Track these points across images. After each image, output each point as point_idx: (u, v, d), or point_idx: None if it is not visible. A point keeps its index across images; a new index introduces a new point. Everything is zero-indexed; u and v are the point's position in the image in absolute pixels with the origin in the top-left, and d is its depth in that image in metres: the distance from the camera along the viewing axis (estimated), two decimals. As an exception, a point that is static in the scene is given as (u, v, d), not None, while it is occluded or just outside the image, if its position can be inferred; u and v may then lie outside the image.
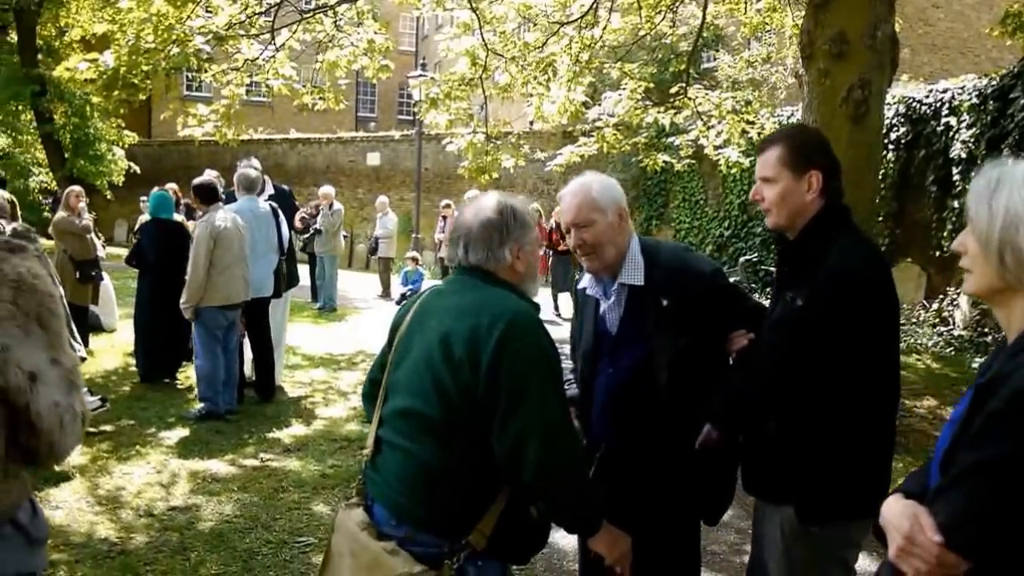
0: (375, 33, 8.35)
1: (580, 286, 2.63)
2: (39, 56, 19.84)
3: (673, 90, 9.76)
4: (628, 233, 2.46)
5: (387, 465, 2.07)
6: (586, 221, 2.39)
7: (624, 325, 2.45)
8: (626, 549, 2.19)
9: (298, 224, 7.93)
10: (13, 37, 20.29)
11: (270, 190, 7.40)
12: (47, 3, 19.41)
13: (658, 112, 9.16)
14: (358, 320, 11.75)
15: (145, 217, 8.11)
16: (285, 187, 7.89)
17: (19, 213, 6.32)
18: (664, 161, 10.38)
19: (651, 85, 9.89)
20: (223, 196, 6.68)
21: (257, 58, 7.90)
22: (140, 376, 7.41)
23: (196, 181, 6.63)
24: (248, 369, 7.08)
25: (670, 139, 10.66)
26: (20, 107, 20.46)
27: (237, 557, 4.03)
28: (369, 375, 2.33)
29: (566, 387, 2.27)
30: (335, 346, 9.48)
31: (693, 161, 11.00)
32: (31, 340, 1.65)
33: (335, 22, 8.17)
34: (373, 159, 21.93)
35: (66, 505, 4.57)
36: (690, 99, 9.36)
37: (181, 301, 6.20)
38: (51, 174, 20.88)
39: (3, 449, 1.65)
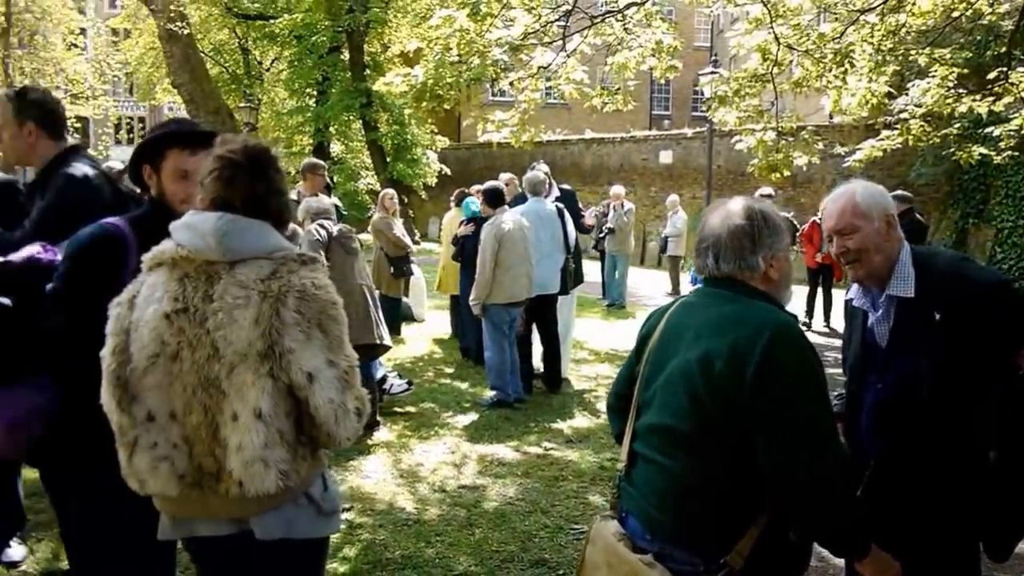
0: (663, 33, 8.36)
1: (847, 297, 2.48)
2: (366, 71, 22.29)
3: (992, 75, 8.67)
4: (897, 241, 2.28)
5: (641, 479, 2.07)
6: (849, 228, 2.26)
7: (894, 339, 2.27)
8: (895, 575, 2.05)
9: (590, 222, 8.18)
10: (345, 55, 23.03)
11: (556, 192, 7.72)
12: (373, 23, 21.77)
13: (974, 100, 8.18)
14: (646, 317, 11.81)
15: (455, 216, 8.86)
16: (568, 188, 8.19)
17: (344, 214, 7.22)
18: (981, 154, 9.28)
19: (965, 71, 8.86)
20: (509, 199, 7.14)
21: (550, 64, 8.26)
22: (461, 352, 8.51)
23: (484, 186, 7.16)
24: (536, 361, 7.46)
25: (988, 129, 9.47)
26: (351, 117, 23.19)
27: (516, 537, 4.29)
28: (615, 389, 2.34)
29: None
30: (621, 342, 9.65)
31: (1016, 153, 9.70)
32: (312, 344, 1.91)
33: (624, 25, 8.31)
34: (665, 157, 21.90)
35: (374, 475, 5.15)
36: (1012, 84, 8.26)
37: (470, 298, 6.74)
38: (376, 177, 23.39)
39: (294, 434, 1.94)
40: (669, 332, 2.10)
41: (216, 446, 1.91)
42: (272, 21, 23.20)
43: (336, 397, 1.92)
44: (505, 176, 8.32)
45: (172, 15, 17.63)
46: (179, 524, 2.04)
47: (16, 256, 2.30)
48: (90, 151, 3.39)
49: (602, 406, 6.95)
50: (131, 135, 48.61)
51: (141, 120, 49.38)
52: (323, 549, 2.21)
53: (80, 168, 2.99)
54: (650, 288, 14.91)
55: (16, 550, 3.84)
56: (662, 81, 9.87)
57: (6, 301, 2.14)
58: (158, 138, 2.38)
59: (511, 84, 9.00)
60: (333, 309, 1.98)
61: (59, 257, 2.36)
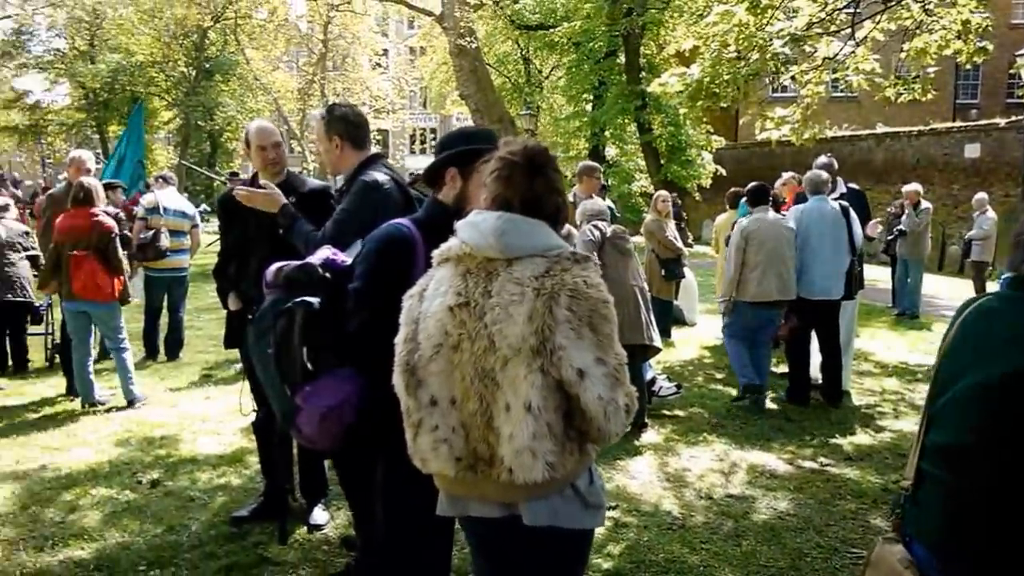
0: (971, 12, 7.50)
1: None
2: (641, 73, 22.36)
3: None
4: None
5: (929, 501, 1.87)
6: None
7: None
8: None
9: (872, 233, 7.52)
10: (621, 59, 23.25)
11: (842, 189, 7.21)
12: (649, 25, 21.78)
13: None
14: (943, 330, 10.73)
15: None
16: (856, 187, 7.59)
17: (617, 216, 7.30)
18: None
19: None
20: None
21: (836, 55, 7.75)
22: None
23: (749, 186, 6.93)
24: (815, 371, 7.03)
25: None
26: (626, 120, 23.41)
27: (786, 554, 4.07)
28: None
29: None
30: (912, 356, 8.82)
31: None
32: (582, 341, 1.94)
33: (923, 6, 7.57)
34: (972, 151, 19.66)
35: (640, 476, 5.14)
36: None
37: (718, 296, 6.64)
38: (649, 179, 23.39)
39: (562, 427, 1.98)
40: (963, 341, 1.88)
41: (490, 433, 2.01)
42: (552, 30, 24.05)
43: (606, 394, 1.93)
44: (786, 175, 7.93)
45: (462, 31, 18.86)
46: (455, 502, 2.17)
47: (313, 258, 2.57)
48: (388, 160, 3.73)
49: (887, 423, 6.40)
50: (423, 145, 52.69)
51: (432, 131, 53.41)
52: (587, 541, 2.24)
53: (374, 175, 3.33)
54: (949, 297, 13.47)
55: (320, 515, 4.31)
56: (968, 66, 8.82)
57: (315, 301, 2.39)
58: (475, 151, 2.54)
59: (793, 78, 8.57)
60: (604, 308, 1.99)
61: (348, 259, 2.60)
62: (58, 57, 35.99)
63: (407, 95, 42.90)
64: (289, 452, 4.19)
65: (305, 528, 4.22)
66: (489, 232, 2.03)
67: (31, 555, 3.91)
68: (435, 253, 2.15)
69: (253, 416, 4.29)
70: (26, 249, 7.46)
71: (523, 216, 2.05)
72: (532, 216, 2.06)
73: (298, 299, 2.39)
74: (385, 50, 40.86)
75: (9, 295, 7.15)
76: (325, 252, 2.58)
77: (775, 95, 24.81)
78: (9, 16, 31.01)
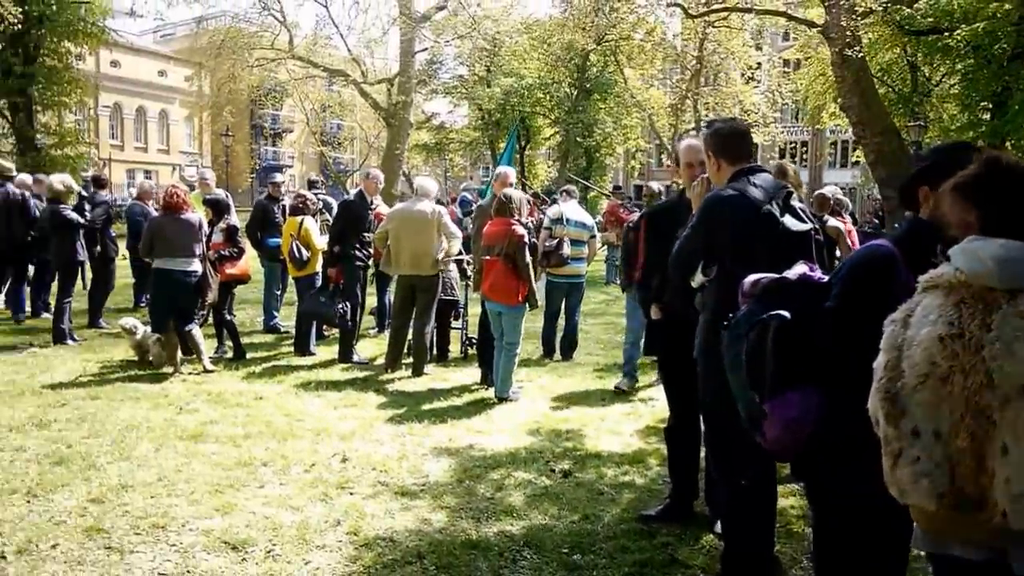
0: None
1: None
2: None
3: None
4: None
5: None
6: None
7: None
8: None
9: None
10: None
11: None
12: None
13: None
14: None
15: None
16: None
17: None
18: None
19: None
20: None
21: None
22: None
23: None
24: None
25: None
26: (1035, 131, 20.46)
27: None
28: None
29: None
30: None
31: None
32: None
33: None
34: None
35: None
36: None
37: None
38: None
39: None
40: None
41: (982, 475, 1.90)
42: (947, 34, 21.79)
43: None
44: None
45: (848, 40, 17.83)
46: (932, 538, 2.09)
47: (790, 273, 2.62)
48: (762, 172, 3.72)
49: None
50: (793, 158, 50.74)
51: (803, 144, 51.26)
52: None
53: (722, 192, 3.45)
54: None
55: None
56: None
57: (788, 314, 2.45)
58: (943, 166, 2.45)
59: None
60: None
61: (824, 277, 2.62)
62: (460, 83, 40.69)
63: (779, 108, 41.64)
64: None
65: (711, 535, 4.31)
66: (989, 260, 1.92)
67: (470, 524, 4.44)
68: (922, 279, 2.08)
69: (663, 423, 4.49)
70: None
71: None
72: None
73: (773, 312, 2.47)
74: (759, 63, 40.04)
75: (442, 294, 8.22)
76: (801, 268, 2.63)
77: None
78: (426, 49, 35.58)
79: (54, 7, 26.50)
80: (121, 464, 5.17)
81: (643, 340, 5.96)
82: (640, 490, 5.00)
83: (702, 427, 4.00)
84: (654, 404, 6.86)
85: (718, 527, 4.32)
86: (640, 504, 4.73)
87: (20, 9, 24.08)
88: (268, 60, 32.72)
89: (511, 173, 8.07)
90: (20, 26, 24.30)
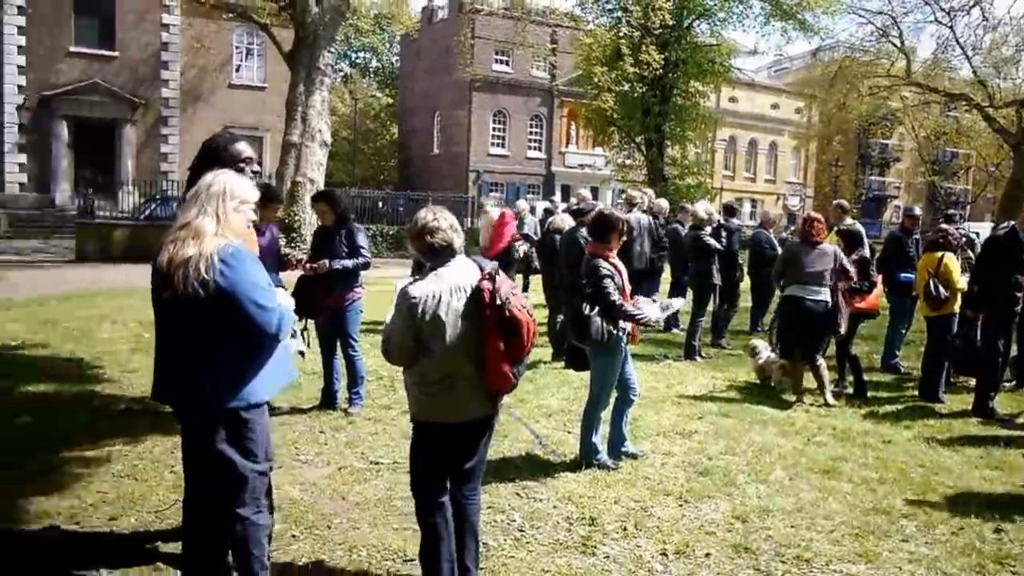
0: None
1: None
2: None
3: None
4: None
5: None
6: None
7: None
8: None
9: None
10: None
11: None
12: None
13: None
14: None
15: None
16: None
17: None
18: None
19: None
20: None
21: None
22: None
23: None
24: None
25: None
26: None
27: None
28: None
29: None
30: None
31: None
32: None
33: None
34: None
35: None
36: None
37: None
38: None
39: None
40: None
41: None
42: None
43: None
44: None
45: None
46: None
47: None
48: None
49: None
50: None
51: None
52: None
53: None
54: None
55: None
56: None
57: None
58: None
59: None
60: None
61: None
62: None
63: None
64: None
65: None
66: None
67: None
68: None
69: None
70: None
71: None
72: None
73: None
74: None
75: None
76: None
77: None
78: None
79: (689, 51, 29.39)
80: (759, 486, 5.28)
81: None
82: None
83: None
84: None
85: None
86: None
87: (663, 56, 27.28)
88: (882, 88, 31.39)
89: None
90: (660, 71, 27.53)
